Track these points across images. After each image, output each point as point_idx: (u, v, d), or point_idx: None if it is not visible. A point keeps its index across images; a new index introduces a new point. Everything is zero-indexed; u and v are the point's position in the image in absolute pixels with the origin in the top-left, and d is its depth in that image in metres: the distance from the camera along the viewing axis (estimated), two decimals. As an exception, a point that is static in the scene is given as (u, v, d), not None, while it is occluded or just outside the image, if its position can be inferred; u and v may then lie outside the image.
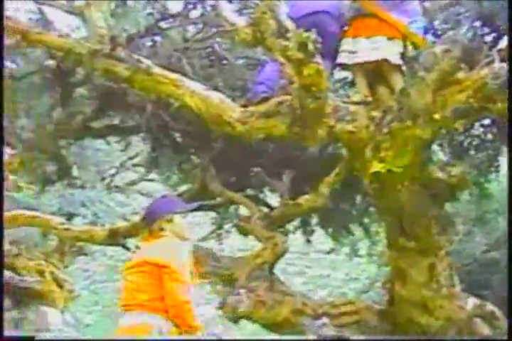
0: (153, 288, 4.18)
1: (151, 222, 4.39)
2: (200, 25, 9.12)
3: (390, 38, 6.44)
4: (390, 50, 6.42)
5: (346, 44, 6.59)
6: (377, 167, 5.99)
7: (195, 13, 9.12)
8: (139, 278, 4.23)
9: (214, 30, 8.75)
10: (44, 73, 9.35)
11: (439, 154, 8.97)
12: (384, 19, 6.45)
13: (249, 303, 7.59)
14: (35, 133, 9.99)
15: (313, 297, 9.36)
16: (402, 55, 6.49)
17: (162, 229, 4.37)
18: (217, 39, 8.97)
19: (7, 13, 8.08)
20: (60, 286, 14.15)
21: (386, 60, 6.40)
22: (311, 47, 5.39)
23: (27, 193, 13.74)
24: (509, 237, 6.31)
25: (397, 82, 6.40)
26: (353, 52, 6.50)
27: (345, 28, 6.72)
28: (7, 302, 14.16)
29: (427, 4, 7.33)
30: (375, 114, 6.19)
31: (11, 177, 10.75)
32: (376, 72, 6.60)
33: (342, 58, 6.59)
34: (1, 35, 7.25)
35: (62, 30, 8.57)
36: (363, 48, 6.46)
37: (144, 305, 4.16)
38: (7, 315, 13.34)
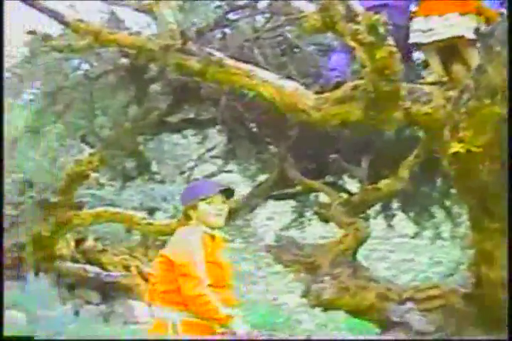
0: (170, 279, 4.09)
1: (183, 209, 4.30)
2: (269, 15, 9.10)
3: (462, 14, 6.32)
4: (464, 26, 6.31)
5: (418, 23, 6.49)
6: (456, 147, 5.88)
7: (263, 3, 9.11)
8: (159, 269, 4.18)
9: (283, 18, 8.71)
10: (118, 72, 9.49)
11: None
12: None
13: (333, 290, 7.58)
14: (113, 131, 10.17)
15: (397, 282, 9.30)
16: (476, 31, 6.36)
17: (189, 217, 4.26)
18: (287, 27, 8.93)
19: (79, 15, 8.25)
20: (146, 280, 14.39)
21: (461, 37, 6.29)
22: (381, 29, 5.34)
23: (109, 190, 14.01)
24: (509, 237, 6.13)
25: (473, 58, 6.27)
26: (427, 31, 6.41)
27: (414, 8, 6.64)
28: (96, 297, 14.51)
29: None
30: (451, 93, 6.10)
31: (92, 175, 10.97)
32: (450, 51, 6.48)
33: (416, 38, 6.50)
34: (1, 35, 7.35)
35: (133, 29, 8.70)
36: (437, 26, 6.36)
37: (161, 297, 4.12)
38: (95, 310, 13.66)
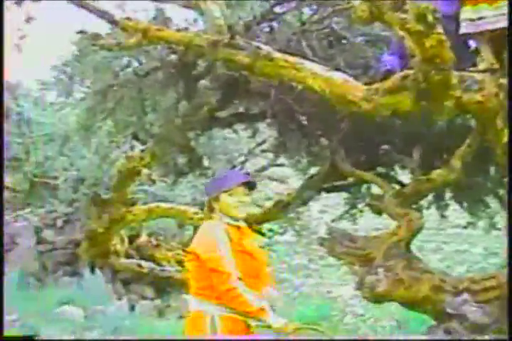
0: (202, 275, 4.17)
1: (207, 202, 4.34)
2: (316, 7, 9.05)
3: None
4: None
5: (467, 13, 6.39)
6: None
7: (309, -5, 9.07)
8: (190, 266, 4.27)
9: (330, 10, 8.67)
10: (167, 68, 9.54)
11: None
12: None
13: (387, 282, 7.55)
14: (164, 128, 10.23)
15: (451, 273, 9.21)
16: None
17: (213, 210, 4.30)
18: (334, 19, 8.88)
19: (126, 14, 8.34)
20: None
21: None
22: (430, 18, 5.28)
23: (161, 186, 14.13)
24: (509, 237, 6.00)
25: None
26: (476, 21, 6.30)
27: None
28: (151, 292, 14.68)
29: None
30: (504, 81, 6.00)
31: (144, 171, 11.07)
32: (501, 38, 6.37)
33: (465, 28, 6.39)
34: (1, 35, 7.41)
35: (181, 25, 8.75)
36: (487, 15, 6.25)
37: (198, 293, 4.21)
38: (150, 305, 13.79)
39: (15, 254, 15.39)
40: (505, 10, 6.18)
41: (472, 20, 6.36)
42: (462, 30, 6.42)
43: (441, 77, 5.74)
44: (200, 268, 4.16)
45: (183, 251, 3.83)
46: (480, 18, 6.31)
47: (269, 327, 4.15)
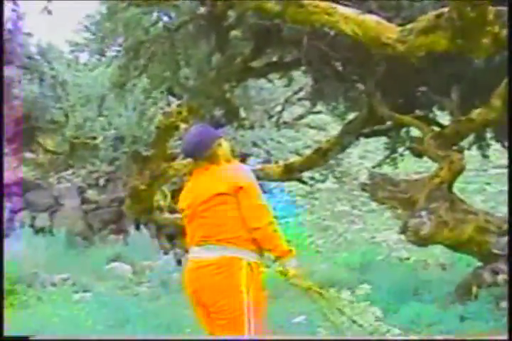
0: (236, 221, 4.10)
1: (207, 150, 4.22)
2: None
3: None
4: None
5: None
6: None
7: None
8: (219, 213, 4.13)
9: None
10: (197, 21, 9.47)
11: None
12: None
13: (431, 225, 7.54)
14: (198, 81, 10.20)
15: (495, 214, 9.14)
16: None
17: (218, 156, 4.24)
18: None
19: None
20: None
21: None
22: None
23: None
24: (509, 237, 5.86)
25: None
26: None
27: None
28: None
29: None
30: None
31: (182, 125, 11.09)
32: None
33: None
34: (1, 35, 7.34)
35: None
36: None
37: (230, 241, 4.09)
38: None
39: (61, 215, 15.65)
40: None
41: None
42: None
43: (476, 14, 5.62)
44: (234, 214, 4.11)
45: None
46: None
47: (285, 275, 4.16)
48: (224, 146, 4.29)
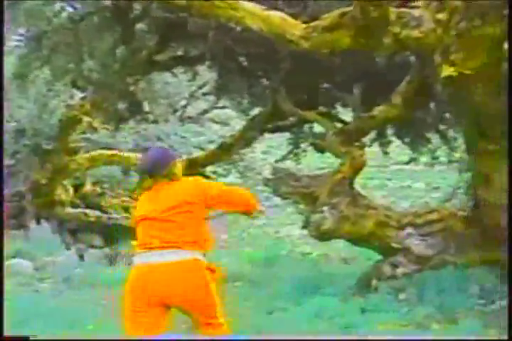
0: (196, 227, 4.41)
1: (165, 169, 4.53)
2: None
3: None
4: None
5: None
6: (448, 71, 5.85)
7: None
8: (184, 218, 4.40)
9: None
10: (102, 13, 9.35)
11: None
12: None
13: (333, 220, 7.64)
14: (103, 74, 10.07)
15: (395, 209, 9.35)
16: None
17: (175, 173, 4.56)
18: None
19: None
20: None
21: None
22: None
23: (103, 133, 13.98)
24: (509, 237, 6.13)
25: None
26: None
27: None
28: (99, 240, 14.65)
29: None
30: (441, 16, 6.01)
31: (85, 118, 10.94)
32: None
33: None
34: (1, 34, 7.23)
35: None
36: None
37: (190, 245, 4.35)
38: (100, 253, 13.79)
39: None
40: None
41: None
42: None
43: (379, 14, 5.74)
44: (196, 218, 4.42)
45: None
46: None
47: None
48: (178, 166, 4.60)
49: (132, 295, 4.33)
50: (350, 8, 5.97)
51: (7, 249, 12.64)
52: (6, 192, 15.46)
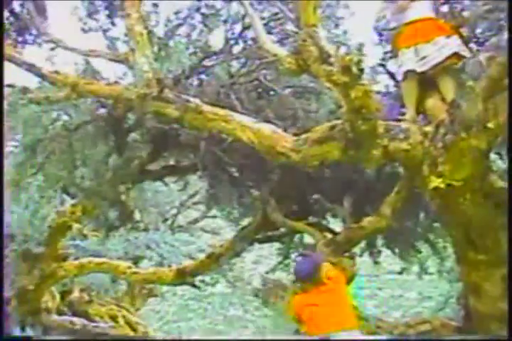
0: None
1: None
2: (244, 59, 9.20)
3: (448, 36, 6.46)
4: (454, 44, 6.45)
5: (408, 53, 6.57)
6: (436, 182, 5.93)
7: (237, 48, 9.22)
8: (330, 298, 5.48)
9: (257, 62, 8.82)
10: (97, 122, 9.52)
11: (498, 163, 8.85)
12: (434, 20, 6.53)
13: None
14: (95, 181, 10.14)
15: (387, 319, 9.25)
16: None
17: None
18: (262, 71, 9.02)
19: (56, 67, 8.30)
20: (134, 329, 14.26)
21: (455, 54, 6.40)
22: (354, 69, 5.41)
23: (92, 240, 13.93)
24: (509, 237, 6.17)
25: (449, 92, 6.38)
26: (421, 60, 6.50)
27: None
28: (85, 350, 14.31)
29: (466, 14, 7.28)
30: (428, 128, 6.16)
31: (75, 225, 10.92)
32: (427, 84, 6.57)
33: (410, 65, 6.55)
34: (1, 34, 7.39)
35: (110, 79, 8.77)
36: (429, 52, 6.47)
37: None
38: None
39: None
40: (444, 43, 6.42)
41: (416, 60, 6.53)
42: (406, 66, 6.57)
43: (367, 127, 5.87)
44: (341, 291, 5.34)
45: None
46: (424, 57, 6.50)
47: None
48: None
49: None
50: (340, 121, 6.11)
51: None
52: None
